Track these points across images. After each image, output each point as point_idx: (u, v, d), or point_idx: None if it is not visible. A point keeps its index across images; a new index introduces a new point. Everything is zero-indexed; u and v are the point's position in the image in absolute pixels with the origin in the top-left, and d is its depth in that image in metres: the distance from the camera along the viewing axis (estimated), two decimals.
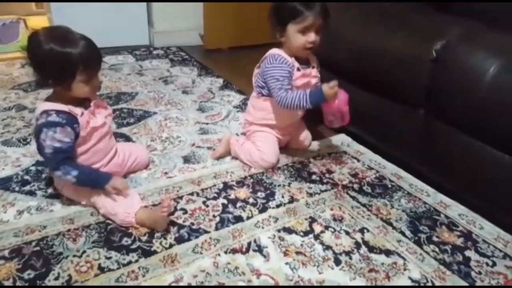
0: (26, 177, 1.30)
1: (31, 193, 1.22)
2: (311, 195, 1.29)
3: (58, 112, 1.05)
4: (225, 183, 1.32)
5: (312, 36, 1.29)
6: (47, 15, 2.73)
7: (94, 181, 1.12)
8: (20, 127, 1.59)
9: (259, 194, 1.28)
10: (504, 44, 1.16)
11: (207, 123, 1.73)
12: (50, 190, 1.24)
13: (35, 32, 1.03)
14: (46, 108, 1.06)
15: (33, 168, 1.34)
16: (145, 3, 2.61)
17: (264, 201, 1.25)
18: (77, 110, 1.08)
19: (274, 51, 1.36)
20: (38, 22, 3.05)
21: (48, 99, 1.09)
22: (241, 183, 1.33)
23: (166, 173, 1.36)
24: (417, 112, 1.35)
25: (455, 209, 1.27)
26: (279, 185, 1.33)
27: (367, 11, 1.56)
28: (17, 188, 1.24)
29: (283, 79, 1.32)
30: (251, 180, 1.35)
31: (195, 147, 1.54)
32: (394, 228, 1.18)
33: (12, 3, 3.24)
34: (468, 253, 1.10)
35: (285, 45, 1.35)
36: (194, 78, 2.22)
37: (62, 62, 1.00)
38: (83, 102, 1.11)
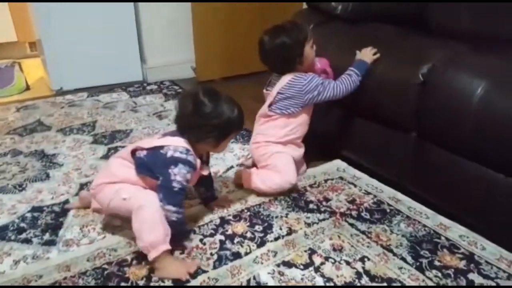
0: (22, 224, 1.29)
1: (27, 241, 1.21)
2: (309, 225, 1.28)
3: (194, 157, 1.14)
4: (222, 218, 1.31)
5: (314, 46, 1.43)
6: (40, 57, 2.77)
7: (184, 232, 1.20)
8: (15, 172, 1.60)
9: (256, 227, 1.27)
10: (488, 66, 1.18)
11: None
12: (46, 237, 1.23)
13: (196, 94, 1.14)
14: (187, 147, 1.12)
15: (29, 214, 1.34)
16: (136, 40, 2.65)
17: (262, 234, 1.24)
18: (198, 164, 1.17)
19: (292, 75, 1.41)
20: (33, 64, 3.12)
21: (184, 138, 1.14)
22: (238, 216, 1.32)
23: None
24: (409, 135, 1.36)
25: (455, 231, 1.26)
26: (276, 217, 1.32)
27: (354, 37, 1.58)
28: (13, 237, 1.23)
29: (322, 81, 1.40)
30: (248, 213, 1.34)
31: None
32: (395, 254, 1.16)
33: (6, 46, 3.31)
34: (471, 276, 1.09)
35: (300, 69, 1.42)
36: None
37: (228, 125, 1.16)
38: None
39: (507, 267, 1.11)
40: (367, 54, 1.44)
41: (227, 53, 2.75)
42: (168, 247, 1.08)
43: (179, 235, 1.16)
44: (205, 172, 1.24)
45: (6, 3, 3.19)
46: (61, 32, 2.47)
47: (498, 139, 1.09)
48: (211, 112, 1.12)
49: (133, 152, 1.16)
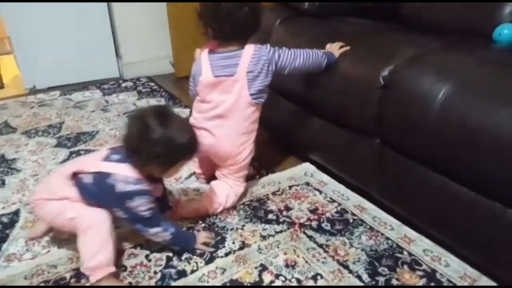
0: None
1: None
2: (264, 238, 1.21)
3: (146, 187, 1.04)
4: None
5: None
6: (13, 54, 2.70)
7: (186, 240, 1.15)
8: None
9: None
10: (454, 66, 1.08)
11: None
12: None
13: (144, 116, 1.02)
14: (136, 177, 1.03)
15: None
16: (111, 36, 2.56)
17: (213, 249, 1.17)
18: (151, 192, 1.07)
19: (253, 46, 1.24)
20: (9, 61, 3.03)
21: (126, 163, 1.04)
22: (191, 229, 1.25)
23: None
24: (372, 141, 1.27)
25: (419, 244, 1.18)
26: (231, 229, 1.25)
27: (320, 33, 1.49)
28: None
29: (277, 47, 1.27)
30: (203, 225, 1.27)
31: None
32: (350, 271, 1.09)
33: None
34: None
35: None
36: None
37: (177, 151, 1.05)
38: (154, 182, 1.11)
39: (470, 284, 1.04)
40: (334, 48, 1.35)
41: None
42: (113, 269, 1.03)
43: (186, 247, 1.15)
44: (158, 193, 1.16)
45: None
46: (32, 28, 2.39)
47: (458, 150, 1.00)
48: (158, 138, 1.00)
49: (75, 174, 1.07)
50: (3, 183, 1.52)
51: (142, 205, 1.03)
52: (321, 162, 1.53)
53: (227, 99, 1.25)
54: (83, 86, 2.49)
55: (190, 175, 1.55)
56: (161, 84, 2.53)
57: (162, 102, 2.27)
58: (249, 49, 1.23)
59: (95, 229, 1.02)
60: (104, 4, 2.49)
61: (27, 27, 2.37)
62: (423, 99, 1.06)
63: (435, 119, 1.03)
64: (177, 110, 2.14)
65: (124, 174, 1.02)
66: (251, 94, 1.25)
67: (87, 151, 1.73)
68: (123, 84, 2.57)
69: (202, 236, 1.17)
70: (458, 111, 0.99)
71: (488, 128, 0.94)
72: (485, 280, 1.05)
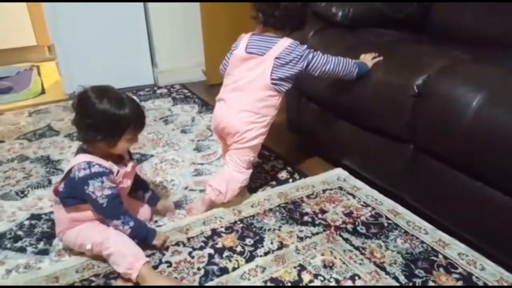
0: (19, 232, 1.32)
1: (22, 250, 1.24)
2: (301, 239, 1.25)
3: (99, 164, 1.10)
4: (213, 230, 1.30)
5: None
6: (55, 61, 2.84)
7: (145, 235, 1.17)
8: (19, 179, 1.64)
9: (247, 240, 1.25)
10: (485, 77, 1.11)
11: (202, 164, 1.73)
12: (40, 245, 1.25)
13: (85, 92, 1.08)
14: (87, 160, 1.09)
15: (27, 222, 1.36)
16: (147, 44, 2.67)
17: (252, 248, 1.22)
18: (115, 168, 1.13)
19: (291, 40, 1.32)
20: (50, 68, 3.20)
21: (85, 151, 1.12)
22: (230, 228, 1.31)
23: (156, 221, 1.35)
24: (406, 147, 1.30)
25: (454, 248, 1.20)
26: (269, 229, 1.30)
27: (353, 44, 1.53)
28: (9, 245, 1.26)
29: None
30: (241, 225, 1.32)
31: (188, 190, 1.53)
32: (387, 273, 1.12)
33: (26, 50, 3.41)
34: None
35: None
36: (194, 115, 2.24)
37: (116, 122, 1.07)
38: (118, 161, 1.16)
39: None
40: (367, 59, 1.39)
41: None
42: (145, 259, 1.09)
43: (144, 240, 1.16)
44: (128, 168, 1.19)
45: (26, 7, 3.28)
46: (73, 36, 2.51)
47: (491, 156, 1.03)
48: (93, 110, 1.04)
49: (57, 191, 1.16)
50: (50, 182, 1.62)
51: (97, 190, 1.07)
52: (354, 167, 1.57)
53: (249, 75, 1.32)
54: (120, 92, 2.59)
55: None
56: (194, 91, 2.62)
57: (196, 108, 2.35)
58: (287, 40, 1.31)
59: (108, 244, 1.09)
60: (142, 14, 2.60)
61: (70, 35, 2.50)
62: (457, 107, 1.09)
63: (469, 126, 1.06)
64: (210, 115, 2.22)
65: (78, 162, 1.09)
66: (272, 79, 1.31)
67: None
68: (158, 91, 2.67)
69: (161, 235, 1.21)
70: (491, 118, 1.02)
71: None
72: None
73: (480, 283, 1.08)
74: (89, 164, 1.08)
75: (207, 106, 2.36)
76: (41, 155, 1.84)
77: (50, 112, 2.38)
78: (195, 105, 2.40)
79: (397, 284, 1.08)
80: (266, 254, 1.19)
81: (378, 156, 1.42)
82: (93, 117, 1.06)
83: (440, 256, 1.18)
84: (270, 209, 1.40)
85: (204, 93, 2.59)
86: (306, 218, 1.35)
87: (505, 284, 1.07)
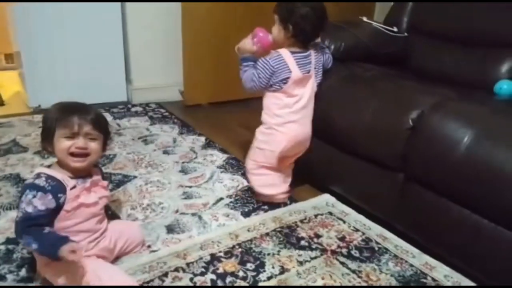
0: None
1: (1, 278, 1.15)
2: (301, 263, 1.28)
3: (48, 177, 1.05)
4: (212, 255, 1.29)
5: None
6: (18, 70, 2.68)
7: (51, 252, 1.00)
8: None
9: (248, 265, 1.26)
10: (474, 114, 1.24)
11: (190, 186, 1.71)
12: (22, 273, 1.17)
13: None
14: (39, 171, 1.06)
15: (2, 247, 1.27)
16: (123, 59, 2.62)
17: (254, 273, 1.23)
18: (70, 182, 1.07)
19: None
20: (8, 78, 2.99)
21: (50, 166, 1.10)
22: (229, 253, 1.31)
23: (149, 246, 1.32)
24: (397, 176, 1.39)
25: (440, 271, 1.29)
26: (268, 254, 1.32)
27: (345, 77, 1.61)
28: None
29: None
30: (240, 250, 1.33)
31: (179, 214, 1.51)
32: None
33: None
34: None
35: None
36: (175, 136, 2.22)
37: (45, 121, 1.08)
38: (84, 178, 1.11)
39: None
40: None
41: (216, 78, 2.75)
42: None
43: (53, 256, 1.00)
44: (86, 184, 1.10)
45: None
46: (43, 45, 2.40)
47: (482, 187, 1.14)
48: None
49: None
50: None
51: (25, 201, 1.01)
52: (342, 193, 1.63)
53: (305, 92, 1.50)
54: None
55: (217, 201, 1.61)
56: (172, 111, 2.59)
57: (176, 129, 2.33)
58: (312, 51, 1.51)
59: (97, 272, 1.04)
60: (120, 27, 2.55)
61: (39, 44, 2.39)
62: (451, 141, 1.20)
63: (461, 159, 1.17)
64: (192, 137, 2.21)
65: (36, 171, 1.09)
66: (316, 86, 1.54)
67: (107, 174, 1.75)
68: (133, 109, 2.61)
69: (68, 247, 0.99)
70: (482, 153, 1.14)
71: (510, 168, 1.08)
72: None
73: None
74: (38, 175, 1.05)
75: (188, 127, 2.35)
76: (9, 172, 1.73)
77: (13, 126, 2.24)
78: (174, 125, 2.37)
79: None
80: (269, 278, 1.21)
81: (368, 183, 1.50)
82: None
83: (429, 278, 1.26)
84: (267, 234, 1.42)
85: (182, 114, 2.57)
86: (302, 242, 1.39)
87: None
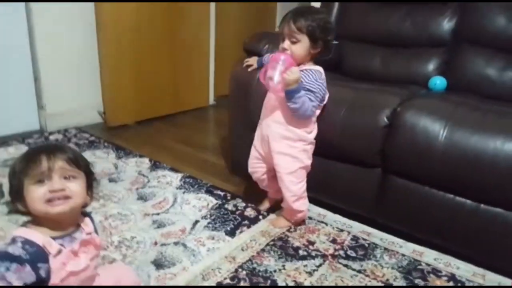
0: None
1: None
2: (310, 274, 1.26)
3: (25, 242, 0.80)
4: (219, 283, 1.19)
5: (285, 43, 1.35)
6: None
7: None
8: None
9: None
10: (441, 108, 1.37)
11: (157, 213, 1.55)
12: None
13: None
14: (17, 234, 0.81)
15: None
16: (32, 84, 2.26)
17: None
18: (53, 246, 0.83)
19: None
20: None
21: (30, 222, 0.85)
22: (235, 278, 1.22)
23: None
24: (374, 171, 1.46)
25: (428, 255, 1.39)
26: (275, 271, 1.26)
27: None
28: None
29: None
30: (244, 272, 1.24)
31: (160, 245, 1.36)
32: None
33: None
34: None
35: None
36: (114, 161, 1.99)
37: (11, 175, 0.85)
38: (71, 234, 0.88)
39: (482, 281, 1.27)
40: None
41: (138, 95, 2.57)
42: None
43: None
44: (75, 245, 0.88)
45: None
46: None
47: (463, 171, 1.26)
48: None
49: None
50: None
51: None
52: (312, 195, 1.62)
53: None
54: (1, 141, 2.11)
55: (194, 224, 1.48)
56: (97, 135, 2.32)
57: (111, 153, 2.08)
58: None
59: None
60: (28, 51, 2.19)
61: None
62: (430, 133, 1.31)
63: (442, 148, 1.28)
64: (134, 160, 2.01)
65: (13, 234, 0.84)
66: None
67: None
68: (51, 137, 2.27)
69: None
70: (460, 141, 1.26)
71: (487, 150, 1.22)
72: (492, 275, 1.30)
73: (464, 280, 1.27)
74: (13, 240, 0.81)
75: (124, 150, 2.13)
76: None
77: None
78: (108, 150, 2.13)
79: None
80: None
81: (345, 183, 1.54)
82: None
83: (423, 264, 1.34)
84: (263, 250, 1.36)
85: (109, 137, 2.32)
86: (301, 252, 1.36)
87: (479, 276, 1.29)
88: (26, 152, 0.88)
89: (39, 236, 0.82)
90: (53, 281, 0.83)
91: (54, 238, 0.85)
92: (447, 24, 1.85)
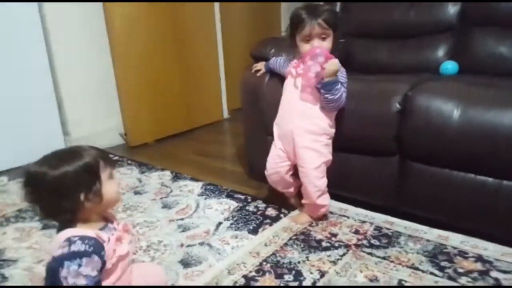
0: None
1: None
2: (334, 262, 1.26)
3: (82, 238, 0.86)
4: (244, 276, 1.21)
5: (315, 42, 1.38)
6: None
7: None
8: None
9: (286, 277, 1.20)
10: (452, 89, 1.38)
11: (182, 219, 1.59)
12: None
13: (27, 171, 0.86)
14: (68, 236, 0.86)
15: None
16: (57, 112, 2.38)
17: (297, 283, 1.17)
18: (104, 236, 0.89)
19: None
20: None
21: (67, 225, 0.89)
22: (260, 271, 1.23)
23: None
24: (391, 160, 1.47)
25: (454, 239, 1.37)
26: (299, 262, 1.27)
27: None
28: None
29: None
30: (269, 265, 1.26)
31: (186, 247, 1.39)
32: (423, 271, 1.21)
33: None
34: (493, 274, 1.19)
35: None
36: (138, 176, 2.06)
37: (84, 172, 0.86)
38: (105, 226, 0.93)
39: None
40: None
41: (157, 114, 2.66)
42: None
43: None
44: (118, 232, 0.95)
45: None
46: None
47: (482, 149, 1.26)
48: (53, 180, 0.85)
49: None
50: (3, 277, 1.27)
51: (71, 276, 0.83)
52: (333, 191, 1.64)
53: None
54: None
55: (218, 226, 1.52)
56: (120, 154, 2.41)
57: (135, 169, 2.16)
58: None
59: None
60: (49, 77, 2.32)
61: None
62: (443, 115, 1.31)
63: (458, 128, 1.29)
64: (156, 174, 2.07)
65: (59, 242, 0.87)
66: None
67: None
68: None
69: None
70: (475, 119, 1.26)
71: (503, 124, 1.22)
72: None
73: (492, 260, 1.25)
74: (69, 241, 0.85)
75: (146, 165, 2.20)
76: None
77: None
78: (131, 167, 2.20)
79: (438, 278, 1.18)
80: (314, 283, 1.16)
81: (364, 175, 1.55)
82: (53, 188, 0.85)
83: (449, 247, 1.33)
84: (286, 244, 1.37)
85: (132, 155, 2.41)
86: (324, 244, 1.37)
87: (508, 256, 1.27)
88: (94, 148, 0.91)
89: (89, 231, 0.88)
90: (107, 266, 0.89)
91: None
92: (452, 8, 1.87)
